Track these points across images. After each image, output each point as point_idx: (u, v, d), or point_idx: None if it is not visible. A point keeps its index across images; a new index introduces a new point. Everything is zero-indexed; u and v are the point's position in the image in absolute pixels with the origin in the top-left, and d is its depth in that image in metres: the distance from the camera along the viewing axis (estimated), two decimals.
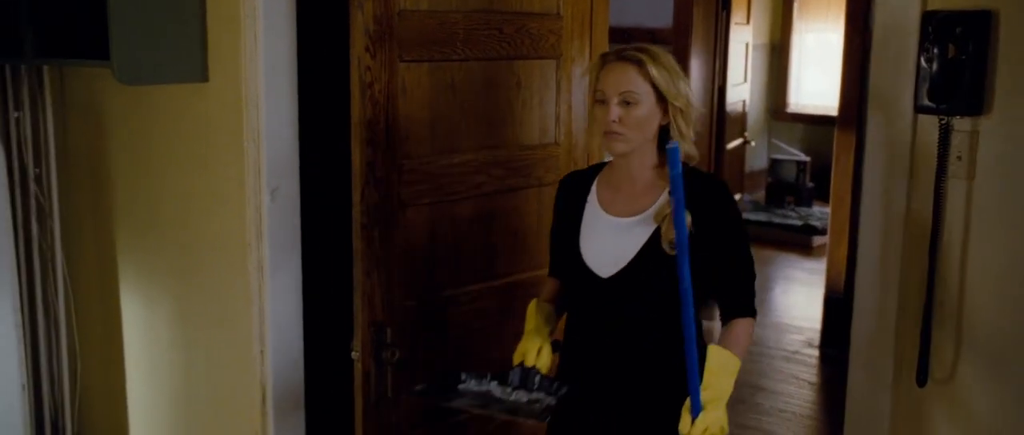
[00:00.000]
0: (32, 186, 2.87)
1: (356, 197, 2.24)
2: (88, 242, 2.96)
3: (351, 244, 2.28)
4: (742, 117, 6.46)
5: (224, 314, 2.56)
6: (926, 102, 2.17)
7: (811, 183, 8.18)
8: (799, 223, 7.60)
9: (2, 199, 2.51)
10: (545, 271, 2.75)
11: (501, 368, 2.07)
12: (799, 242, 7.44)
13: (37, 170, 2.88)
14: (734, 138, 6.22)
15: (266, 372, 2.48)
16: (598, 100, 2.01)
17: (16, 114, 2.83)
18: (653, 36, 5.51)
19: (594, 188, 2.14)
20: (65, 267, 2.94)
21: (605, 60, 2.04)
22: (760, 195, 8.58)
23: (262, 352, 2.47)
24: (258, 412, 2.49)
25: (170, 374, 2.79)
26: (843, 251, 5.04)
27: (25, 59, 2.46)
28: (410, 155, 2.35)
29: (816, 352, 5.12)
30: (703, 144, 5.77)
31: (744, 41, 6.24)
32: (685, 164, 1.96)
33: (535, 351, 2.06)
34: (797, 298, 6.21)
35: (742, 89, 6.35)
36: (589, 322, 2.11)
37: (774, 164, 8.51)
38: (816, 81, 8.97)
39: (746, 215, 7.34)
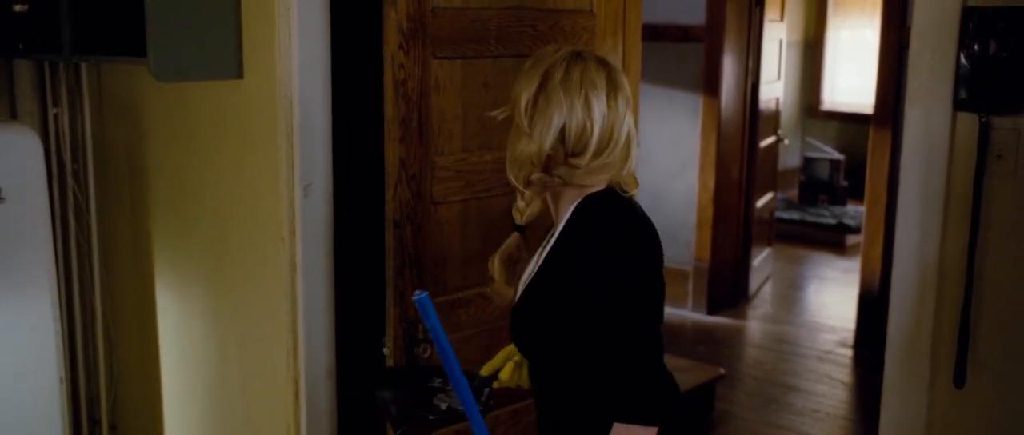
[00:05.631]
0: (70, 181, 2.91)
1: (389, 194, 2.25)
2: (124, 237, 2.99)
3: (384, 241, 2.28)
4: (775, 115, 6.41)
5: (257, 309, 2.58)
6: (965, 99, 2.14)
7: (845, 181, 8.11)
8: (833, 222, 7.53)
9: (40, 194, 2.55)
10: None
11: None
12: (833, 241, 7.38)
13: (75, 166, 2.92)
14: (767, 136, 6.17)
15: (298, 367, 2.49)
16: None
17: (54, 110, 2.87)
18: (686, 33, 5.48)
19: None
20: (102, 262, 2.98)
21: None
22: (793, 193, 8.51)
23: (294, 347, 2.48)
24: (291, 407, 2.51)
25: (204, 368, 2.81)
26: (878, 250, 4.99)
27: (64, 55, 2.49)
28: (443, 152, 2.35)
29: (850, 352, 5.07)
30: (736, 142, 5.73)
31: (778, 38, 6.18)
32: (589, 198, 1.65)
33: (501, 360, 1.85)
34: (830, 297, 6.16)
35: (776, 86, 6.29)
36: None
37: (808, 162, 8.43)
38: (850, 78, 8.88)
39: (779, 213, 7.28)
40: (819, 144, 8.66)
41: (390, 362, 2.30)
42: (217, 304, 2.73)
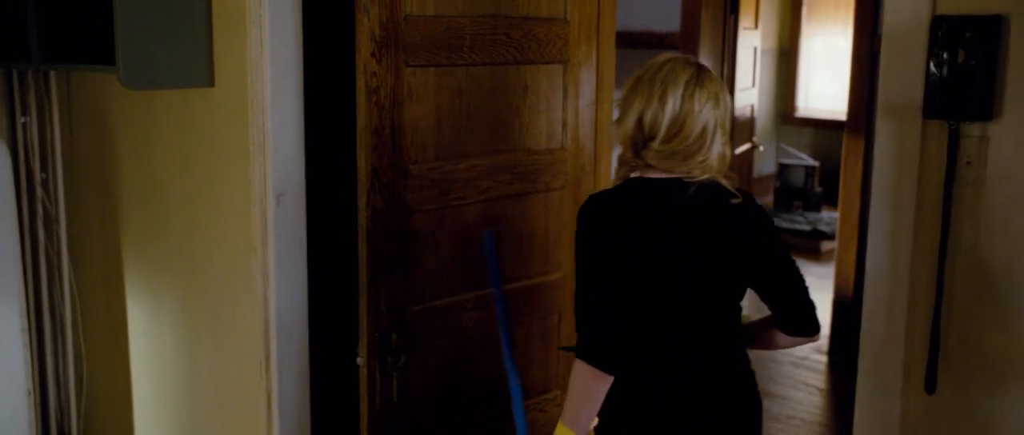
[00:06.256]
0: (38, 191, 2.87)
1: (361, 203, 2.23)
2: (94, 247, 2.96)
3: (357, 249, 2.27)
4: (751, 122, 6.44)
5: (230, 319, 2.55)
6: (935, 107, 2.16)
7: (820, 188, 8.16)
8: (807, 228, 7.57)
9: (9, 204, 2.51)
10: (554, 275, 2.75)
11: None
12: (808, 247, 7.41)
13: (44, 175, 2.88)
14: (743, 143, 6.19)
15: (271, 377, 2.47)
16: None
17: (23, 119, 2.84)
18: (661, 41, 5.50)
19: None
20: (71, 272, 2.94)
21: None
22: (769, 200, 8.55)
23: (267, 357, 2.46)
24: (263, 418, 2.49)
25: (175, 379, 2.78)
26: (852, 256, 5.01)
27: (32, 64, 2.47)
28: (416, 160, 2.34)
29: (825, 358, 5.09)
30: None
31: (752, 45, 6.22)
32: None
33: None
34: None
35: (750, 94, 6.33)
36: None
37: (782, 169, 8.48)
38: (825, 86, 8.94)
39: None
40: (794, 151, 8.71)
41: (363, 372, 2.28)
42: (189, 315, 2.71)
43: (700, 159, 1.84)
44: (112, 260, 2.90)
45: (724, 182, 1.88)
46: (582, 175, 2.79)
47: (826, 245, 7.24)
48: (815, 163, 8.31)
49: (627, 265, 1.82)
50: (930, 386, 2.24)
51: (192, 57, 2.38)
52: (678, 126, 1.82)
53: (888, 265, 2.31)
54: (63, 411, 3.02)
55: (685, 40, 5.46)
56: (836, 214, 5.46)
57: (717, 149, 1.86)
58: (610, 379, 1.83)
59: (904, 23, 2.22)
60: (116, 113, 2.80)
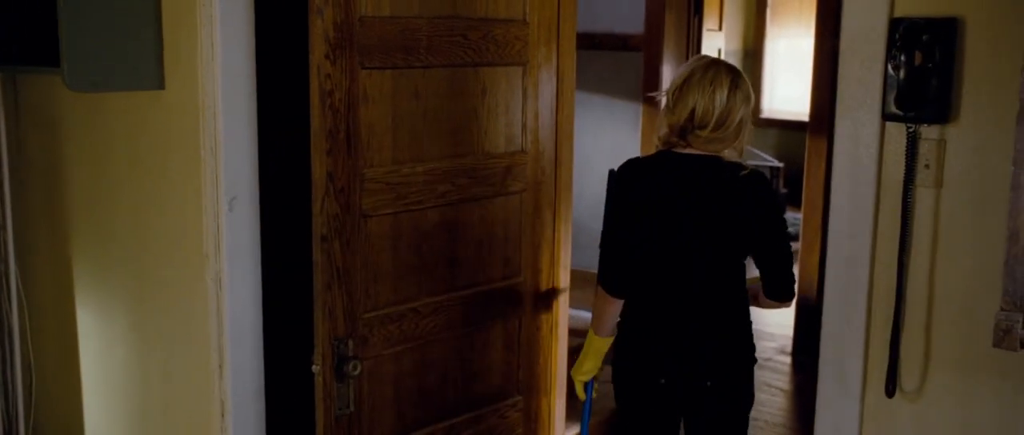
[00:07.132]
0: None
1: (316, 208, 2.19)
2: (43, 253, 2.89)
3: (312, 255, 2.22)
4: None
5: (182, 327, 2.50)
6: (893, 109, 2.15)
7: (784, 189, 8.20)
8: None
9: None
10: (514, 280, 2.72)
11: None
12: None
13: None
14: None
15: (225, 386, 2.42)
16: None
17: None
18: (624, 42, 5.49)
19: None
20: (19, 279, 2.87)
21: None
22: None
23: (221, 366, 2.41)
24: (217, 428, 2.43)
25: (126, 388, 2.72)
26: (815, 258, 5.03)
27: None
28: (372, 164, 2.30)
29: (789, 359, 5.11)
30: None
31: (717, 47, 6.24)
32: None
33: None
34: None
35: None
36: None
37: None
38: (789, 87, 8.98)
39: None
40: (759, 152, 8.75)
41: (319, 380, 2.24)
42: (140, 322, 2.65)
43: (734, 143, 2.31)
44: (62, 267, 2.83)
45: (738, 160, 2.33)
46: (542, 178, 2.76)
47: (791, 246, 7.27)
48: (779, 164, 8.35)
49: (648, 212, 2.31)
50: (890, 389, 2.24)
51: (141, 59, 2.32)
52: (723, 118, 2.26)
53: (848, 268, 2.31)
54: (12, 421, 2.95)
55: (649, 42, 5.45)
56: (800, 215, 5.48)
57: (746, 136, 2.34)
58: (618, 301, 2.41)
59: (862, 25, 2.21)
60: (65, 116, 2.73)
